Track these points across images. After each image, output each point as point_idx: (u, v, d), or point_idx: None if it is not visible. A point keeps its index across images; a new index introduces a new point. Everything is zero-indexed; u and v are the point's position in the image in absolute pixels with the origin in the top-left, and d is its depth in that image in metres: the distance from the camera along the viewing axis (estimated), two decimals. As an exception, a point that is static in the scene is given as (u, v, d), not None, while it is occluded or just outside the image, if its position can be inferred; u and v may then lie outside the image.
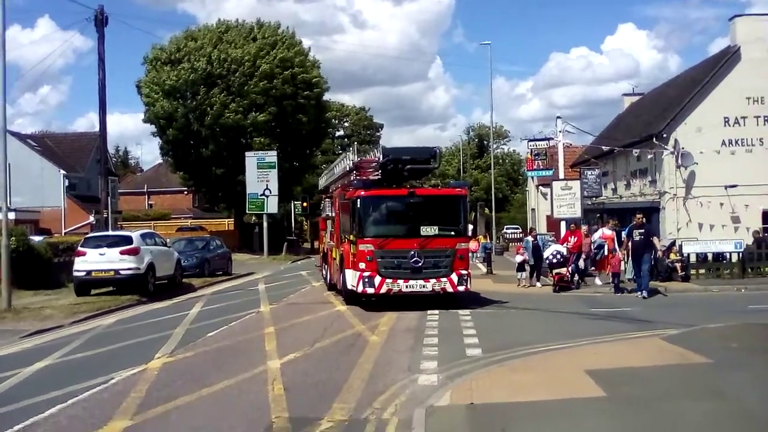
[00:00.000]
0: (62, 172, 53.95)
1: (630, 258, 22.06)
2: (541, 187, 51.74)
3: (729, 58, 33.12)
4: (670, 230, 31.32)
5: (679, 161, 32.23)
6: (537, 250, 25.74)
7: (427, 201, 19.61)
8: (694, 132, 32.17)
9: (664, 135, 32.82)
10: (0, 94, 20.71)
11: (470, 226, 20.44)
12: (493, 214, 51.38)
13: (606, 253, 24.27)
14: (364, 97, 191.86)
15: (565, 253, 24.10)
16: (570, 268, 24.11)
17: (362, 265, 18.88)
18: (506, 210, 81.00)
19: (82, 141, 61.17)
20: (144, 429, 8.63)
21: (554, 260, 23.86)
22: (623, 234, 24.14)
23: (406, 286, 18.74)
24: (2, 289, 20.44)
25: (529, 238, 27.32)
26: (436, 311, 18.32)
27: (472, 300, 20.51)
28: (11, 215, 23.07)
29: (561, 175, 31.95)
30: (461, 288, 18.90)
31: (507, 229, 65.21)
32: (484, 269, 32.72)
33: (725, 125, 32.39)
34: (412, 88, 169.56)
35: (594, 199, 36.93)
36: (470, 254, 47.21)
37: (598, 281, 25.21)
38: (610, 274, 23.30)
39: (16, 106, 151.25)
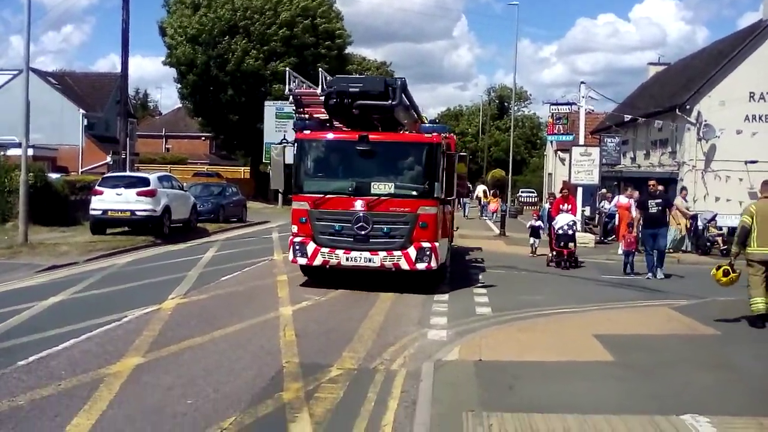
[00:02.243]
0: (81, 111, 53.95)
1: (642, 233, 19.06)
2: (559, 152, 51.42)
3: (759, 32, 32.57)
4: (687, 202, 31.15)
5: (701, 134, 31.95)
6: (552, 218, 22.36)
7: (383, 149, 14.99)
8: (718, 105, 31.79)
9: (688, 107, 32.48)
10: (24, 30, 20.72)
11: (452, 185, 15.24)
12: (510, 176, 51.19)
13: (617, 222, 24.03)
14: (386, 52, 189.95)
15: (579, 225, 21.67)
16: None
17: (294, 228, 15.06)
18: (523, 173, 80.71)
19: (102, 81, 61.03)
20: (156, 367, 8.77)
21: (569, 231, 20.19)
22: (624, 208, 23.81)
23: (347, 259, 14.60)
24: (19, 224, 20.67)
25: (547, 205, 25.51)
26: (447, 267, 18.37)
27: (464, 274, 18.01)
28: (29, 151, 23.15)
29: (581, 141, 31.74)
30: (421, 265, 14.36)
31: (522, 192, 65.01)
32: (497, 231, 32.75)
33: (750, 100, 31.95)
34: (435, 45, 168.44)
35: (613, 166, 36.71)
36: (488, 214, 47.90)
37: (620, 251, 23.26)
38: (622, 251, 20.12)
39: (39, 43, 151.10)
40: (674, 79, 41.29)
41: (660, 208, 18.49)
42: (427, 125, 16.21)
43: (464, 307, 13.35)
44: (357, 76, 19.87)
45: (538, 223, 23.99)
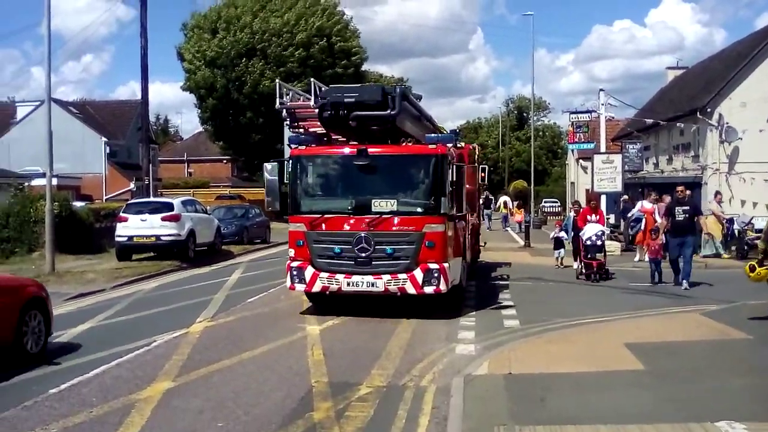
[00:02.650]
0: (103, 139, 54.50)
1: (668, 241, 17.80)
2: (581, 161, 51.24)
3: (777, 32, 32.43)
4: (722, 206, 30.82)
5: (723, 136, 31.71)
6: (578, 228, 20.97)
7: (384, 163, 13.81)
8: (739, 107, 31.57)
9: (708, 109, 32.26)
10: (45, 61, 21.00)
11: (461, 199, 14.14)
12: (532, 187, 51.04)
13: (643, 227, 23.76)
14: (402, 68, 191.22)
15: (607, 235, 20.67)
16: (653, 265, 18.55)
17: (292, 252, 14.05)
18: (545, 183, 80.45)
19: (123, 109, 61.65)
20: (186, 390, 8.79)
21: (598, 242, 19.14)
22: (648, 213, 23.32)
23: (348, 284, 13.38)
24: (46, 253, 20.84)
25: (572, 214, 23.69)
26: (473, 282, 18.37)
27: (491, 291, 17.35)
28: (54, 181, 23.38)
29: (602, 149, 31.58)
30: (429, 289, 13.08)
31: (545, 202, 64.77)
32: (521, 242, 32.61)
33: (771, 100, 31.70)
34: (451, 59, 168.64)
35: (635, 173, 36.52)
36: (510, 225, 47.71)
37: (637, 257, 23.83)
38: (648, 259, 19.21)
39: (59, 74, 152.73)
40: (693, 82, 41.05)
41: (687, 215, 17.29)
42: (433, 135, 14.70)
43: (492, 321, 13.30)
44: (352, 85, 18.58)
45: (562, 233, 23.29)
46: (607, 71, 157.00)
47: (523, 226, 35.07)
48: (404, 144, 15.03)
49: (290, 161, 14.31)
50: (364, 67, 63.77)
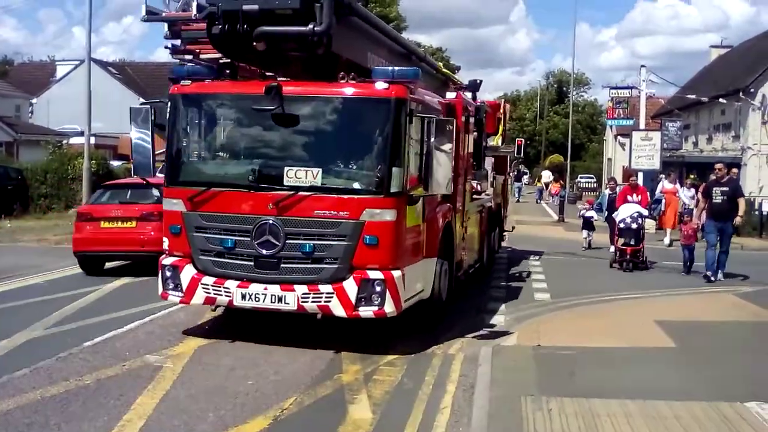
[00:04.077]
0: (141, 100, 54.87)
1: (705, 226, 15.55)
2: (619, 137, 50.65)
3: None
4: (751, 188, 30.47)
5: (765, 117, 31.25)
6: (614, 208, 18.03)
7: (305, 111, 9.21)
8: (784, 88, 31.06)
9: (752, 89, 31.76)
10: (86, 21, 21.15)
11: (438, 173, 9.32)
12: (568, 161, 50.66)
13: (663, 208, 23.20)
14: (442, 38, 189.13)
15: (646, 219, 17.76)
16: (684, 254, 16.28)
17: (165, 243, 9.53)
18: (581, 159, 79.72)
19: (162, 71, 61.80)
20: (218, 348, 8.91)
21: (633, 225, 16.61)
22: (687, 194, 22.89)
23: (244, 296, 8.92)
24: (84, 210, 21.09)
25: (607, 191, 21.10)
26: (504, 254, 18.35)
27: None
28: (92, 140, 23.62)
29: (642, 126, 31.21)
30: (366, 310, 8.69)
31: (581, 177, 64.24)
32: (555, 217, 32.46)
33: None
34: (491, 30, 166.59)
35: (674, 151, 36.08)
36: (547, 198, 47.19)
37: (666, 240, 22.24)
38: (680, 246, 16.81)
39: (100, 34, 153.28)
40: (737, 61, 40.36)
41: (726, 197, 14.83)
42: (384, 68, 9.39)
43: (522, 293, 13.27)
44: None
45: (591, 212, 21.02)
46: (649, 48, 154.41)
47: (557, 200, 34.95)
48: (344, 82, 9.18)
49: (169, 103, 9.72)
50: (404, 35, 63.45)
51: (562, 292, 13.24)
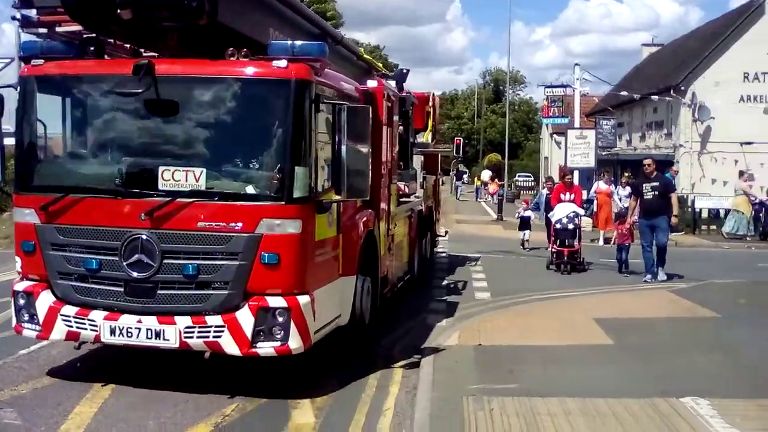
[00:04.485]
0: None
1: (638, 224, 15.12)
2: (555, 135, 51.38)
3: (752, 11, 32.67)
4: (684, 185, 31.19)
5: (696, 115, 32.04)
6: (551, 208, 17.79)
7: (184, 95, 7.50)
8: (713, 86, 31.85)
9: (682, 87, 32.50)
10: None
11: (361, 168, 7.72)
12: (506, 160, 51.05)
13: (595, 209, 23.26)
14: (380, 36, 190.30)
15: (582, 219, 17.40)
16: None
17: (18, 264, 7.85)
18: (519, 157, 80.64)
19: None
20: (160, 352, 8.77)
21: (570, 225, 16.21)
22: (623, 192, 22.32)
23: (113, 330, 7.26)
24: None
25: (544, 191, 21.13)
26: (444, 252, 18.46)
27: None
28: None
29: (577, 124, 31.74)
30: (265, 347, 7.16)
31: (519, 176, 65.02)
32: (494, 215, 32.80)
33: (744, 80, 32.03)
34: (429, 29, 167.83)
35: (608, 149, 36.72)
36: (484, 197, 47.91)
37: (601, 241, 22.03)
38: (616, 246, 16.62)
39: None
40: (668, 60, 41.30)
41: (657, 193, 14.55)
42: (283, 42, 7.65)
43: (463, 293, 13.35)
44: None
45: (528, 212, 20.74)
46: (583, 46, 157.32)
47: (496, 199, 35.38)
48: (233, 60, 7.48)
49: (19, 86, 7.87)
50: (341, 31, 63.25)
51: (502, 291, 13.39)
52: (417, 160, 14.16)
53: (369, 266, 9.30)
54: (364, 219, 9.01)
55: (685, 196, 26.31)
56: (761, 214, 24.90)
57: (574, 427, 6.17)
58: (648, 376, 7.87)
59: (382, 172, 9.77)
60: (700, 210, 26.40)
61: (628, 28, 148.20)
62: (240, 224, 7.04)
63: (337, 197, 7.59)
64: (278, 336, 7.08)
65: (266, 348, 7.08)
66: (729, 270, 16.38)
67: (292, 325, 7.07)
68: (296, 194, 7.09)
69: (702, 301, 12.27)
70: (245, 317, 7.04)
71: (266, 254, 7.02)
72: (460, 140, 44.59)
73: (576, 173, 27.84)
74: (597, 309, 11.68)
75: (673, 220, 14.89)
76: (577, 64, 32.22)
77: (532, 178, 59.88)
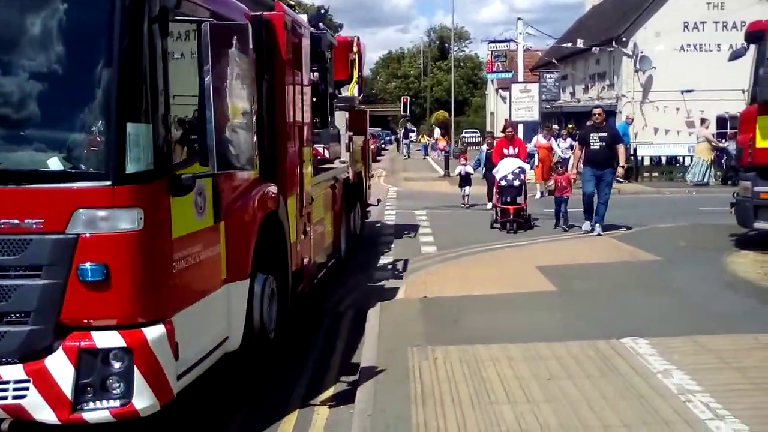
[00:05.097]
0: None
1: (582, 174, 14.28)
2: (500, 91, 51.59)
3: (691, -39, 32.92)
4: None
5: (638, 65, 32.41)
6: (492, 164, 16.78)
7: None
8: (653, 36, 32.15)
9: (624, 38, 32.84)
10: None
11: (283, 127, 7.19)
12: (452, 117, 51.30)
13: (536, 163, 22.30)
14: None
15: (527, 174, 16.63)
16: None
17: None
18: (465, 114, 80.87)
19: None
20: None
21: (515, 181, 15.11)
22: (563, 144, 22.68)
23: None
24: None
25: (485, 147, 20.06)
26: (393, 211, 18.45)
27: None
28: None
29: (521, 78, 31.90)
30: (96, 411, 4.58)
31: (466, 133, 65.22)
32: (441, 172, 32.90)
33: (684, 30, 32.39)
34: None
35: (552, 102, 36.97)
36: (434, 154, 48.08)
37: (537, 194, 21.32)
38: (554, 198, 15.51)
39: None
40: (610, 12, 41.57)
41: (605, 143, 13.77)
42: None
43: (409, 248, 13.37)
44: None
45: (468, 168, 19.87)
46: (527, 2, 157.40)
47: (443, 155, 35.60)
48: None
49: None
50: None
51: (447, 245, 13.45)
52: (340, 118, 11.56)
53: (273, 260, 6.93)
54: (262, 197, 6.54)
55: (627, 145, 26.58)
56: (723, 161, 25.13)
57: (515, 371, 6.23)
58: (590, 319, 7.97)
59: (288, 130, 7.37)
60: (642, 158, 26.84)
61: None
62: (41, 220, 4.53)
63: (204, 170, 5.05)
64: (116, 392, 4.62)
65: (98, 411, 4.59)
66: (670, 215, 16.64)
67: (137, 373, 4.60)
68: (131, 168, 4.56)
69: (644, 246, 12.50)
70: (60, 365, 4.55)
71: (87, 266, 4.52)
72: (407, 99, 44.54)
73: (520, 127, 27.97)
74: (540, 258, 11.79)
75: (619, 171, 14.52)
76: (519, 19, 32.30)
77: (479, 134, 60.16)
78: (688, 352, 6.61)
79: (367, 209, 14.80)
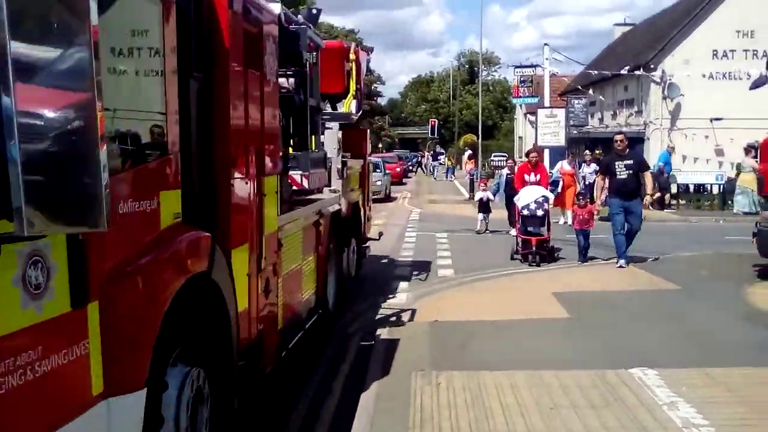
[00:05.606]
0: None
1: (610, 206, 13.43)
2: (529, 115, 51.38)
3: (720, -11, 32.72)
4: (654, 162, 31.19)
5: (666, 92, 32.14)
6: (513, 190, 16.06)
7: None
8: (682, 63, 31.93)
9: (652, 65, 32.57)
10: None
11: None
12: (480, 141, 51.03)
13: (559, 190, 21.06)
14: (357, 20, 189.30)
15: (551, 203, 15.57)
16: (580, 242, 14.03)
17: None
18: (495, 138, 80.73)
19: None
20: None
21: (539, 211, 14.19)
22: (587, 167, 21.97)
23: None
24: None
25: (505, 171, 19.74)
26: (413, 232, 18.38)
27: None
28: None
29: (546, 103, 31.76)
30: None
31: (494, 156, 65.06)
32: (466, 195, 32.81)
33: (713, 58, 32.09)
34: (406, 12, 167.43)
35: (580, 128, 36.77)
36: (463, 176, 48.26)
37: (562, 220, 20.40)
38: (575, 231, 14.38)
39: None
40: (639, 38, 41.41)
41: (631, 171, 13.04)
42: None
43: (426, 270, 13.28)
44: None
45: (487, 194, 19.31)
46: (560, 28, 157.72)
47: (468, 178, 35.60)
48: None
49: None
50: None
51: (466, 268, 13.33)
52: (332, 138, 9.63)
53: (203, 342, 4.66)
54: (178, 255, 4.27)
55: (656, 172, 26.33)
56: None
57: (518, 399, 6.12)
58: (601, 348, 7.84)
59: (234, 153, 5.19)
60: (669, 185, 26.59)
61: (604, 8, 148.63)
62: None
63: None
64: None
65: None
66: (695, 243, 16.43)
67: None
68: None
69: (664, 274, 12.30)
70: None
71: None
72: (434, 121, 44.45)
73: (546, 152, 27.82)
74: (557, 284, 11.67)
75: (647, 199, 13.96)
76: (546, 44, 32.31)
77: (507, 158, 60.06)
78: (698, 384, 6.45)
79: (366, 244, 12.34)
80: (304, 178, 7.96)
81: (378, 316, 9.70)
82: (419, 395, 6.27)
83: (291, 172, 7.55)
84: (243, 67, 5.39)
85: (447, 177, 52.20)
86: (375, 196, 28.21)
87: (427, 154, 69.67)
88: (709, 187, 27.02)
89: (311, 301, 8.15)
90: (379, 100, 79.50)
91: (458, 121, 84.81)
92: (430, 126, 61.22)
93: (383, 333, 8.57)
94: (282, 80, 7.33)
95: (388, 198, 31.98)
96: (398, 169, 44.39)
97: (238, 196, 5.29)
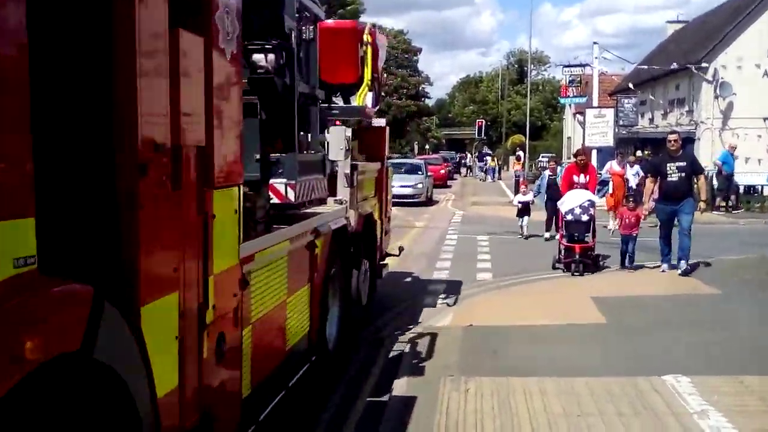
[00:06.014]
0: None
1: (657, 211, 12.96)
2: (578, 115, 50.98)
3: (775, -14, 32.09)
4: (705, 162, 30.64)
5: (718, 91, 31.58)
6: (556, 192, 15.72)
7: None
8: (735, 62, 31.39)
9: (704, 64, 32.06)
10: None
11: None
12: (527, 141, 50.84)
13: (610, 191, 20.60)
14: (406, 21, 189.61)
15: (596, 208, 13.82)
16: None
17: None
18: (543, 138, 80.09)
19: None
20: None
21: (584, 216, 13.15)
22: (631, 171, 20.83)
23: None
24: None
25: (546, 173, 18.85)
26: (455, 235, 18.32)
27: None
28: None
29: (595, 103, 31.44)
30: None
31: (542, 157, 64.60)
32: (511, 197, 32.59)
33: (767, 56, 31.48)
34: (456, 12, 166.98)
35: (630, 128, 36.33)
36: (511, 177, 48.11)
37: (611, 224, 18.35)
38: (620, 236, 13.56)
39: None
40: (691, 36, 40.73)
41: (684, 174, 12.32)
42: None
43: (465, 274, 13.22)
44: None
45: (528, 197, 18.60)
46: (611, 26, 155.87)
47: (514, 180, 35.38)
48: None
49: None
50: (364, 18, 62.98)
51: (505, 272, 13.26)
52: (338, 137, 7.12)
53: None
54: (7, 332, 2.29)
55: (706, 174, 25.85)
56: None
57: (547, 406, 6.09)
58: (635, 354, 7.76)
59: (142, 154, 3.19)
60: (728, 186, 26.00)
61: (657, 6, 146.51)
62: None
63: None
64: None
65: None
66: (742, 246, 16.11)
67: None
68: None
69: (705, 278, 12.08)
70: None
71: None
72: (482, 122, 44.33)
73: (594, 153, 27.53)
74: (597, 288, 11.52)
75: (701, 205, 13.18)
76: (595, 43, 32.17)
77: (549, 159, 59.87)
78: (730, 392, 6.36)
79: (383, 262, 10.28)
80: (289, 189, 5.98)
81: (414, 319, 9.66)
82: (446, 401, 6.28)
83: (272, 181, 5.77)
84: (168, 25, 3.40)
85: (492, 178, 51.76)
86: (414, 200, 28.27)
87: (469, 155, 69.47)
88: (760, 189, 26.42)
89: (302, 343, 6.25)
90: (427, 101, 79.24)
91: (506, 121, 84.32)
92: (477, 126, 61.05)
93: (415, 337, 8.55)
94: (259, 57, 5.82)
95: (429, 201, 31.46)
96: (442, 171, 43.22)
97: (153, 221, 3.31)
